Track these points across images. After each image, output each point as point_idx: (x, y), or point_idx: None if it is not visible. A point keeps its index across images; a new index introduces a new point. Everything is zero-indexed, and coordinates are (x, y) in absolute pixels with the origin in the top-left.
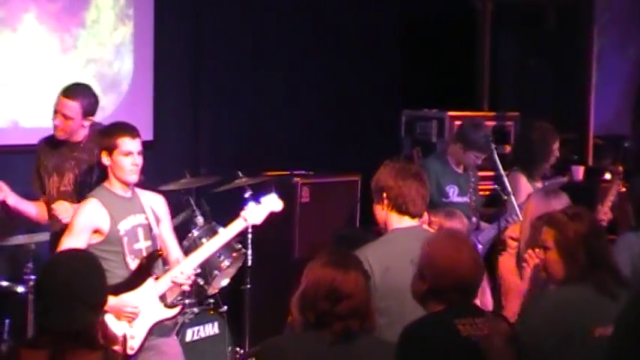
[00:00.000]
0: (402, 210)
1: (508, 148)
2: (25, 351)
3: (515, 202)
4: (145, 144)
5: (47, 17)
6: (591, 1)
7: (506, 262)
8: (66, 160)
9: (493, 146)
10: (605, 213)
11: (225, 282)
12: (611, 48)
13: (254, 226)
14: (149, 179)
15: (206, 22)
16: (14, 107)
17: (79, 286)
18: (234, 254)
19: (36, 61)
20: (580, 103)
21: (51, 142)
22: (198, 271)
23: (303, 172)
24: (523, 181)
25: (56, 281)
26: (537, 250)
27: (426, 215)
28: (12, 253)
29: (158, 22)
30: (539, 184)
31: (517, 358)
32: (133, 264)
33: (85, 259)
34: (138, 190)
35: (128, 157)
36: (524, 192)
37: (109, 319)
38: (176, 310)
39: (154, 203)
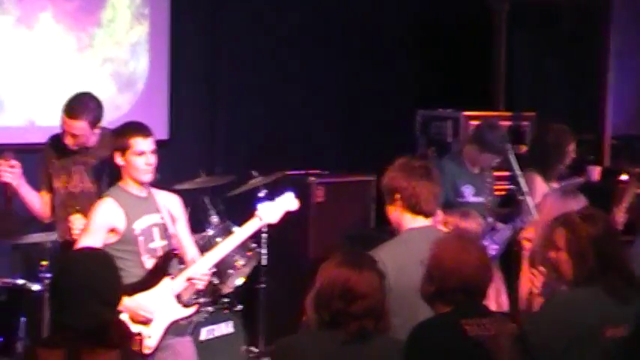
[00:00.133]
0: (416, 210)
1: (524, 148)
2: (41, 350)
3: (531, 203)
4: (160, 143)
5: (64, 16)
6: (608, 2)
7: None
8: (75, 164)
9: (509, 146)
10: (621, 214)
11: (239, 281)
12: (628, 48)
13: (269, 226)
14: (164, 178)
15: (222, 22)
16: (30, 106)
17: (95, 284)
18: (249, 253)
19: (52, 60)
20: (596, 104)
21: (60, 145)
22: (214, 270)
23: (317, 171)
24: (538, 181)
25: (72, 279)
26: (549, 249)
27: (441, 215)
28: (28, 251)
29: (174, 21)
30: (555, 185)
31: (523, 358)
32: (149, 263)
33: (99, 257)
34: (153, 190)
35: (141, 157)
36: (539, 192)
37: (125, 318)
38: (192, 309)
39: (170, 203)
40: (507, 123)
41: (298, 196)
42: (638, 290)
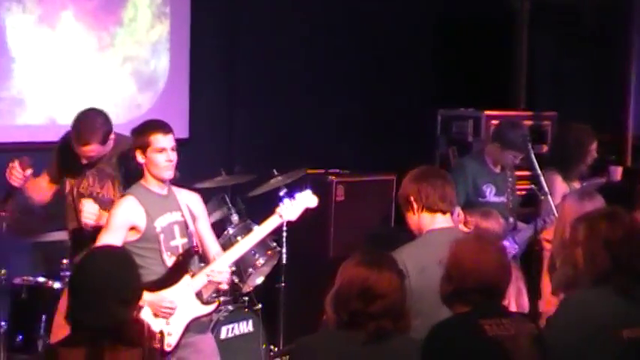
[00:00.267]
0: (433, 208)
1: (545, 148)
2: (63, 349)
3: (552, 202)
4: (180, 142)
5: (84, 15)
6: (629, 1)
7: None
8: (88, 167)
9: (530, 146)
10: None
11: (259, 280)
12: None
13: (289, 224)
14: (184, 177)
15: (241, 21)
16: (51, 105)
17: (115, 282)
18: (269, 252)
19: (73, 58)
20: (618, 104)
21: (72, 154)
22: (233, 268)
23: (338, 170)
24: (558, 181)
25: (92, 278)
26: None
27: (462, 215)
28: (48, 249)
29: (194, 20)
30: (576, 185)
31: (543, 358)
32: (170, 261)
33: (118, 254)
34: (174, 188)
35: (162, 154)
36: (559, 192)
37: (146, 315)
38: (212, 306)
39: (190, 201)
40: (528, 122)
41: (318, 194)
42: None
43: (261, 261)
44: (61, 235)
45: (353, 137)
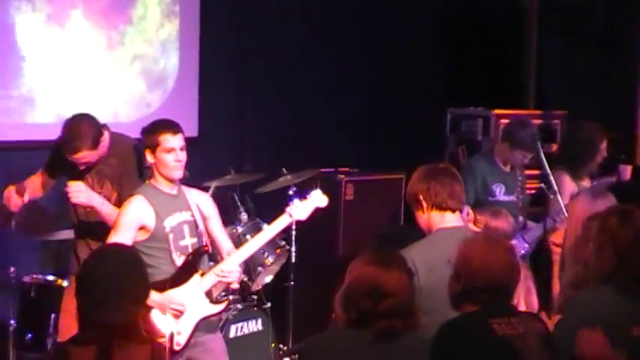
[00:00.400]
0: (442, 206)
1: (554, 147)
2: (73, 347)
3: (561, 202)
4: (189, 141)
5: (94, 14)
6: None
7: None
8: (87, 171)
9: (539, 145)
10: None
11: (268, 279)
12: None
13: (298, 223)
14: (193, 176)
15: (251, 19)
16: (61, 103)
17: (125, 280)
18: (278, 251)
19: (82, 57)
20: (628, 102)
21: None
22: (243, 267)
23: (347, 169)
24: (566, 180)
25: (102, 276)
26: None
27: (471, 214)
28: (57, 248)
29: (204, 18)
30: (585, 183)
31: (551, 357)
32: (179, 260)
33: (126, 252)
34: (184, 188)
35: (171, 154)
36: (567, 191)
37: (156, 314)
38: (222, 306)
39: (201, 201)
40: (538, 121)
41: (328, 193)
42: None
43: (270, 260)
44: (70, 234)
45: (362, 136)
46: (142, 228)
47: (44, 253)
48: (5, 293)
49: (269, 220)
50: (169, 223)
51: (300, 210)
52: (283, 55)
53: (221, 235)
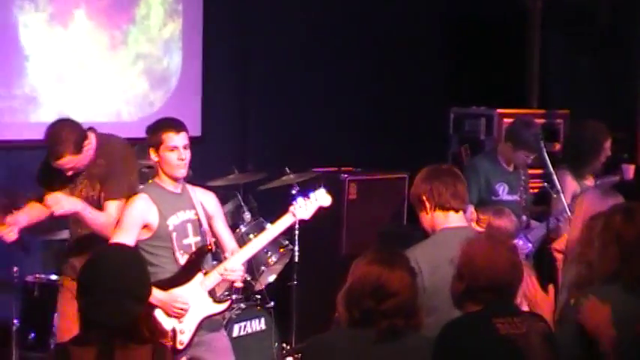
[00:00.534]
0: (446, 206)
1: (557, 146)
2: (74, 348)
3: (564, 201)
4: (192, 140)
5: (97, 13)
6: None
7: None
8: (76, 176)
9: (542, 144)
10: None
11: (272, 278)
12: None
13: (301, 223)
14: (197, 175)
15: (254, 19)
16: (64, 102)
17: (127, 280)
18: (282, 250)
19: (86, 56)
20: (631, 102)
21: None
22: (246, 266)
23: (350, 168)
24: (569, 179)
25: (104, 276)
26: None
27: (475, 213)
28: (59, 247)
29: (207, 18)
30: (589, 182)
31: (554, 356)
32: (183, 259)
33: (128, 252)
34: (189, 187)
35: (174, 152)
36: (569, 191)
37: (159, 314)
38: (225, 304)
39: (205, 200)
40: (541, 121)
41: (331, 193)
42: None
43: (273, 259)
44: None
45: (365, 135)
46: (145, 226)
47: (47, 252)
48: (8, 293)
49: (272, 220)
50: (173, 221)
51: (303, 209)
52: (286, 55)
53: (225, 234)
